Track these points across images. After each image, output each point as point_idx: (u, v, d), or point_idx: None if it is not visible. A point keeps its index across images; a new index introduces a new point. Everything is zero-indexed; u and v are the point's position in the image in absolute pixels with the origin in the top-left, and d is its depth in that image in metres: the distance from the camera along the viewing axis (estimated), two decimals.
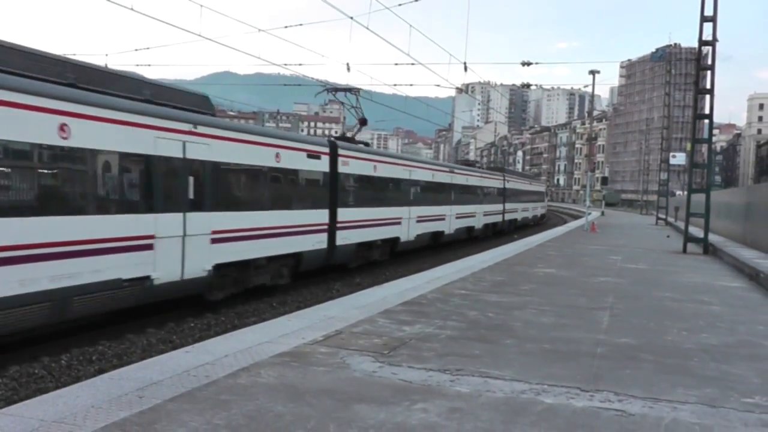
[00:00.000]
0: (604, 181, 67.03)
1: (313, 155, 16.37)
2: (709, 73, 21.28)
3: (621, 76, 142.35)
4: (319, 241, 16.49)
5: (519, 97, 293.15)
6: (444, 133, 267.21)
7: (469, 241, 30.98)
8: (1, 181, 8.49)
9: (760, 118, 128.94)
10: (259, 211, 13.92)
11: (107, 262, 9.84)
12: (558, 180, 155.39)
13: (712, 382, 5.82)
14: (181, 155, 11.47)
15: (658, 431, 4.50)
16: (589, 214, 36.30)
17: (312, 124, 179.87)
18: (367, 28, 20.65)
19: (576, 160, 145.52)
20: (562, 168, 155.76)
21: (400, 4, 22.04)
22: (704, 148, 34.41)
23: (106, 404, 4.59)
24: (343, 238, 17.68)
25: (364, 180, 19.45)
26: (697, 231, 23.57)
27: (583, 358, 6.52)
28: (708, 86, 21.57)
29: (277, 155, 14.63)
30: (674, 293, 11.51)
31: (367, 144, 22.11)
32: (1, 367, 8.54)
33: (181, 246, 11.42)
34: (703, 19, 20.31)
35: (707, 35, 20.42)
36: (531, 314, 8.82)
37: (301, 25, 25.80)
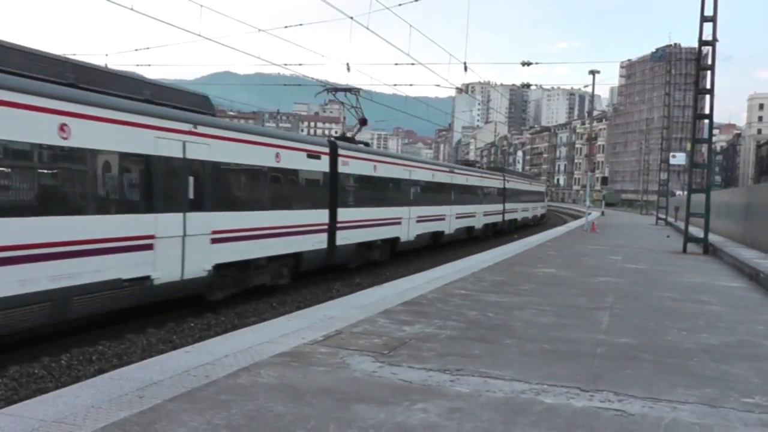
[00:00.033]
0: (604, 181, 67.05)
1: (313, 155, 16.38)
2: (709, 73, 21.28)
3: (621, 76, 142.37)
4: (319, 241, 16.50)
5: (519, 97, 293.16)
6: (444, 133, 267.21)
7: (469, 241, 30.96)
8: (1, 181, 8.50)
9: (760, 118, 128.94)
10: (259, 211, 13.92)
11: (107, 262, 9.84)
12: (558, 180, 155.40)
13: (712, 382, 5.82)
14: (181, 155, 11.47)
15: (658, 431, 4.50)
16: (589, 214, 36.31)
17: (312, 124, 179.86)
18: (367, 28, 20.65)
19: (576, 160, 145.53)
20: (562, 168, 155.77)
21: (400, 4, 22.05)
22: (704, 148, 34.41)
23: (106, 404, 4.59)
24: (343, 238, 17.68)
25: (364, 180, 19.47)
26: (697, 231, 23.57)
27: (583, 358, 6.52)
28: (708, 86, 21.57)
29: (277, 155, 14.64)
30: (674, 293, 11.51)
31: (367, 144, 22.12)
32: (1, 367, 8.54)
33: (181, 246, 11.42)
34: (703, 19, 20.31)
35: (707, 35, 20.45)
36: (531, 314, 8.82)
37: (301, 25, 25.81)
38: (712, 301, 10.78)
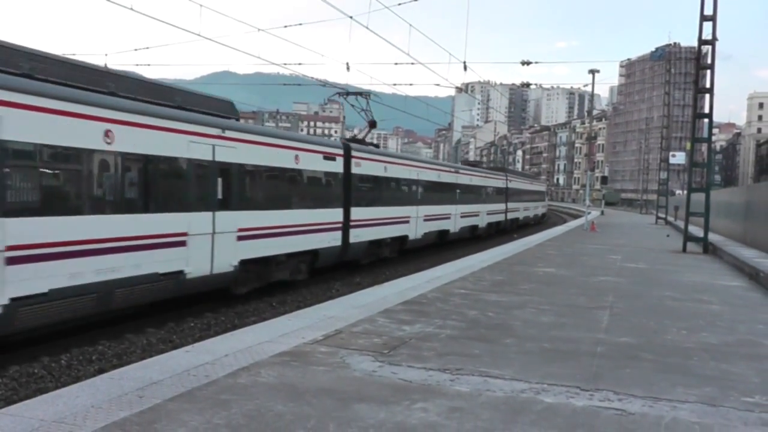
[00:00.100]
0: (604, 180, 67.06)
1: (329, 157, 17.23)
2: (708, 72, 21.29)
3: (620, 75, 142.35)
4: (334, 239, 17.27)
5: (519, 96, 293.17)
6: (444, 132, 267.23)
7: (472, 239, 31.43)
8: (54, 183, 9.34)
9: (760, 117, 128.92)
10: (280, 210, 14.70)
11: (146, 257, 10.59)
12: (558, 179, 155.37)
13: (711, 381, 5.82)
14: (211, 158, 12.26)
15: (658, 430, 4.50)
16: (589, 213, 36.35)
17: (311, 123, 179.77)
18: (367, 28, 20.63)
19: (576, 160, 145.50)
20: (561, 167, 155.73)
21: (399, 4, 22.02)
22: (704, 147, 34.39)
23: (106, 404, 4.59)
24: (356, 236, 18.41)
25: (375, 180, 20.24)
26: (696, 230, 23.56)
27: (582, 357, 6.52)
28: (708, 85, 21.59)
29: (296, 157, 15.42)
30: (674, 292, 11.51)
31: (377, 145, 22.95)
32: (1, 367, 8.54)
33: (211, 243, 12.19)
34: (703, 18, 20.30)
35: (707, 34, 20.43)
36: (531, 313, 8.82)
37: (300, 24, 25.76)
38: (712, 301, 10.78)
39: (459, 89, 55.65)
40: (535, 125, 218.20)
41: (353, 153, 18.57)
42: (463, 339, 7.11)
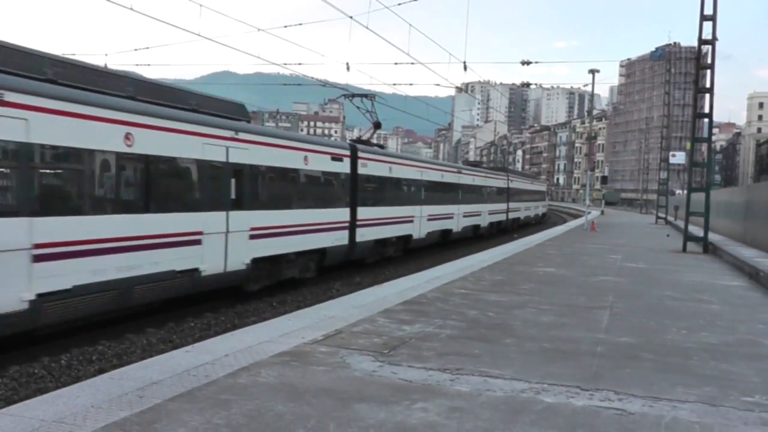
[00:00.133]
0: (604, 180, 67.03)
1: (336, 158, 17.66)
2: (708, 71, 21.28)
3: (620, 75, 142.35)
4: (341, 238, 17.71)
5: (519, 96, 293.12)
6: (444, 132, 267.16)
7: (475, 239, 31.73)
8: (77, 184, 9.68)
9: (760, 117, 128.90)
10: (290, 210, 15.09)
11: (163, 255, 10.98)
12: (558, 179, 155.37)
13: (712, 380, 5.82)
14: (224, 159, 12.65)
15: (658, 430, 4.50)
16: (589, 213, 36.36)
17: (311, 123, 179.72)
18: (367, 28, 20.63)
19: (576, 159, 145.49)
20: (561, 167, 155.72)
21: (399, 4, 22.00)
22: (704, 147, 34.37)
23: (106, 404, 4.59)
24: (362, 235, 18.82)
25: (380, 181, 20.62)
26: (696, 230, 23.56)
27: (583, 357, 6.52)
28: (708, 85, 21.58)
29: (306, 158, 15.86)
30: (674, 292, 11.51)
31: (381, 146, 23.20)
32: (1, 367, 8.54)
33: (225, 241, 12.57)
34: (703, 17, 20.30)
35: (707, 34, 20.43)
36: (531, 313, 8.82)
37: (300, 24, 25.72)
38: (712, 300, 10.78)
39: (459, 89, 55.66)
40: (535, 125, 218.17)
41: (359, 154, 18.93)
42: (463, 339, 7.11)
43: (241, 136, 13.15)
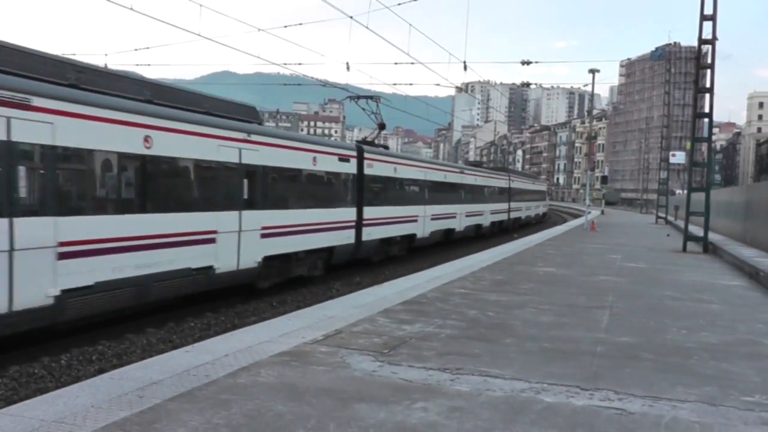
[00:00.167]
0: (604, 180, 67.02)
1: (344, 158, 18.07)
2: (708, 71, 21.26)
3: (621, 75, 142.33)
4: (348, 237, 18.14)
5: (519, 96, 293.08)
6: (444, 132, 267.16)
7: (477, 238, 31.98)
8: (99, 184, 10.12)
9: (760, 117, 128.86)
10: (299, 210, 15.47)
11: (180, 253, 11.34)
12: (558, 179, 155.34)
13: (712, 380, 5.82)
14: (237, 160, 13.04)
15: (658, 430, 4.50)
16: (589, 213, 36.36)
17: (311, 123, 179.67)
18: (367, 28, 20.62)
19: (576, 159, 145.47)
20: (561, 167, 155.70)
21: (399, 4, 21.99)
22: (704, 146, 34.36)
23: (106, 404, 4.59)
24: (368, 234, 19.22)
25: (385, 181, 21.04)
26: (696, 230, 23.56)
27: (583, 356, 6.52)
28: (708, 85, 21.56)
29: (314, 159, 16.29)
30: (674, 292, 11.51)
31: (386, 147, 23.83)
32: (1, 367, 8.55)
33: (237, 240, 12.97)
34: (703, 17, 20.29)
35: (707, 34, 20.41)
36: (531, 313, 8.82)
37: (300, 24, 25.72)
38: (712, 300, 10.78)
39: (459, 89, 55.63)
40: (535, 125, 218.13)
41: (366, 155, 19.30)
42: (463, 339, 7.11)
43: (254, 138, 13.55)
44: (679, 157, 42.55)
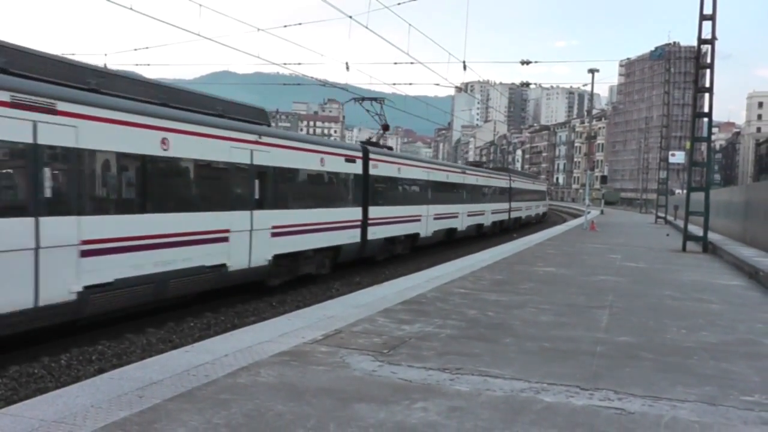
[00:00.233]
0: (604, 179, 67.13)
1: (350, 159, 18.44)
2: (708, 71, 21.26)
3: (620, 74, 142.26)
4: (354, 236, 18.50)
5: (518, 95, 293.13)
6: (443, 132, 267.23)
7: (478, 237, 32.25)
8: (119, 185, 10.51)
9: (760, 117, 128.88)
10: (308, 209, 15.84)
11: (195, 251, 11.71)
12: (557, 179, 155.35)
13: (711, 380, 5.82)
14: (249, 161, 13.42)
15: (657, 429, 4.50)
16: (589, 212, 36.38)
17: (311, 123, 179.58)
18: (366, 27, 20.61)
19: (575, 159, 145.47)
20: (561, 167, 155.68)
21: (399, 3, 21.99)
22: (703, 146, 34.35)
23: (105, 404, 4.59)
24: (373, 233, 19.60)
25: (390, 181, 21.45)
26: (696, 229, 23.56)
27: (582, 356, 6.52)
28: (707, 85, 21.55)
29: (322, 160, 16.71)
30: (674, 292, 11.51)
31: (390, 148, 24.14)
32: (1, 367, 8.54)
33: (249, 239, 13.33)
34: (702, 17, 20.29)
35: (706, 34, 20.41)
36: (530, 313, 8.82)
37: (300, 24, 25.71)
38: (712, 300, 10.78)
39: (458, 89, 55.60)
40: (535, 125, 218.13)
41: (371, 155, 19.63)
42: (463, 338, 7.12)
43: (264, 139, 13.93)
44: (678, 157, 42.56)
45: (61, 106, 9.11)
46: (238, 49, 23.88)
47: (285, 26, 26.13)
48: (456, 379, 5.51)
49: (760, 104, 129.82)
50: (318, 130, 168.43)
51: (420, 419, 4.50)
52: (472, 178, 31.89)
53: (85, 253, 9.42)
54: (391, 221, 20.97)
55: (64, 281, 9.14)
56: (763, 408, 5.07)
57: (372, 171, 19.64)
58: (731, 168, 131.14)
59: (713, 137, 53.66)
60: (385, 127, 23.94)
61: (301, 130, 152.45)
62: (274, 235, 14.16)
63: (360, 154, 19.17)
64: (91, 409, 4.48)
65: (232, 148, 12.82)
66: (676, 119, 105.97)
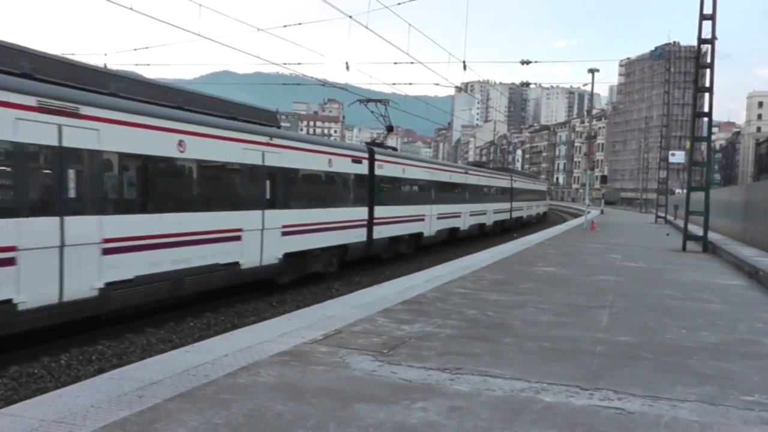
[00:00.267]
0: (604, 179, 67.10)
1: (356, 160, 18.86)
2: (708, 71, 21.25)
3: (620, 74, 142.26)
4: (360, 235, 18.90)
5: (518, 95, 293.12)
6: (443, 131, 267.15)
7: (480, 237, 32.50)
8: (139, 186, 10.81)
9: (760, 116, 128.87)
10: (316, 209, 16.24)
11: (210, 249, 12.09)
12: (557, 178, 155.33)
13: (711, 380, 5.82)
14: (260, 162, 13.78)
15: (657, 429, 4.50)
16: (589, 212, 36.38)
17: (311, 123, 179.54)
18: (366, 27, 20.61)
19: (575, 159, 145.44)
20: (561, 167, 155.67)
21: (399, 3, 21.98)
22: (703, 146, 34.32)
23: (105, 404, 4.59)
24: (379, 232, 20.02)
25: (395, 181, 21.88)
26: (696, 229, 23.56)
27: (582, 356, 6.52)
28: (707, 84, 21.54)
29: (330, 161, 17.13)
30: (674, 291, 11.51)
31: (395, 149, 24.61)
32: (1, 367, 8.55)
33: (260, 238, 13.72)
34: (702, 17, 20.29)
35: (706, 33, 20.41)
36: (530, 313, 8.82)
37: (300, 24, 25.70)
38: (712, 299, 10.78)
39: (458, 88, 55.57)
40: (535, 124, 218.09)
41: (376, 156, 19.99)
42: (463, 338, 7.11)
43: (275, 141, 14.31)
44: (678, 157, 42.57)
45: (85, 110, 9.45)
46: (238, 49, 23.87)
47: (285, 26, 26.14)
48: (456, 379, 5.51)
49: (760, 104, 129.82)
50: (318, 130, 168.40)
51: (420, 419, 4.50)
52: (474, 179, 32.19)
53: (106, 251, 9.78)
54: (395, 221, 21.30)
55: (87, 278, 9.50)
56: (763, 408, 5.06)
57: (377, 171, 19.97)
58: (731, 168, 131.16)
59: (713, 137, 53.67)
60: (390, 128, 24.29)
61: (301, 130, 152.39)
62: (284, 234, 14.54)
63: (366, 155, 19.49)
64: (91, 409, 4.48)
65: (244, 150, 13.17)
66: (676, 119, 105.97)
